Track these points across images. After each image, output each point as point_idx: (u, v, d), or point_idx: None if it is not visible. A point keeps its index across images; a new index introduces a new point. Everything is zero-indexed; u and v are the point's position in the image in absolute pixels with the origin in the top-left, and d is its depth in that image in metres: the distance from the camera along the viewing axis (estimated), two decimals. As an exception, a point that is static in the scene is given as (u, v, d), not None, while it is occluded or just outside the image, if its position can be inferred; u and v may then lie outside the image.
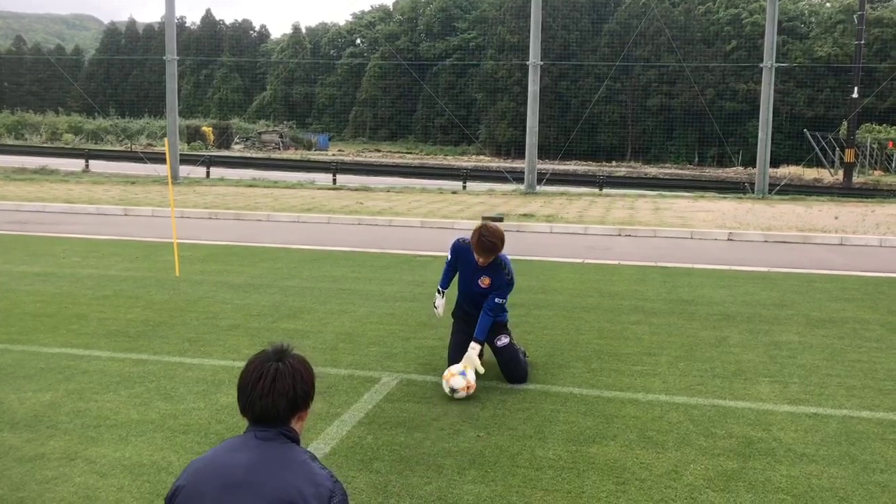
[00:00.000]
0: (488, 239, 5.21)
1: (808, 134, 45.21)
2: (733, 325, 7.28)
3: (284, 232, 14.40)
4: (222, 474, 2.06)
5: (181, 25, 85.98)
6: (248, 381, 2.17)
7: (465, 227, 13.98)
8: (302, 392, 2.18)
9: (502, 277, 5.40)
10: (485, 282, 5.41)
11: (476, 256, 5.33)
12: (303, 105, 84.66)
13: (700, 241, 14.42)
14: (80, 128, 60.95)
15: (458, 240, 5.66)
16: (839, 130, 41.57)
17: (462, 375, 5.07)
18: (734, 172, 45.51)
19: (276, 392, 2.13)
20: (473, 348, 5.25)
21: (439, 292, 5.80)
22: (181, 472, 2.15)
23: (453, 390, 5.05)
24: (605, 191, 25.58)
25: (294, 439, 2.18)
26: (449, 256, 5.68)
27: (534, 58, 23.32)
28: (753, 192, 23.52)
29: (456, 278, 5.70)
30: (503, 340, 5.45)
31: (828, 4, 71.67)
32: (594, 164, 54.80)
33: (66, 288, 8.43)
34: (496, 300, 5.36)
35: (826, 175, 40.56)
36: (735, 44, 66.45)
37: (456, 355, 5.49)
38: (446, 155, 68.27)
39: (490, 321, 5.36)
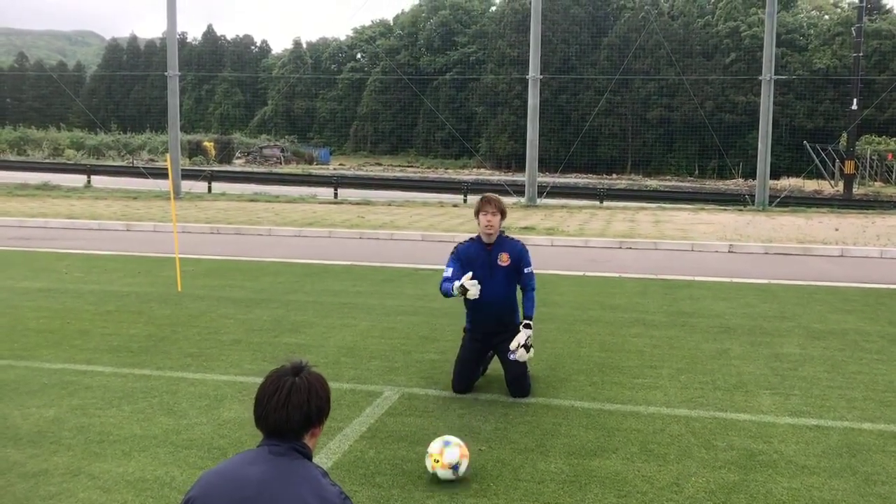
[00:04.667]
0: (491, 194, 5.53)
1: (807, 146, 45.31)
2: (734, 338, 7.29)
3: (286, 246, 14.43)
4: (234, 487, 2.09)
5: (182, 41, 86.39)
6: (264, 393, 2.21)
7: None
8: (316, 407, 2.22)
9: (517, 245, 5.54)
10: (504, 258, 5.43)
11: (483, 217, 5.41)
12: (304, 119, 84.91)
13: (701, 254, 14.44)
14: (82, 143, 61.20)
15: (456, 245, 5.64)
16: (839, 142, 41.67)
17: (446, 445, 4.04)
18: (734, 184, 45.58)
19: (290, 405, 2.17)
20: (526, 329, 5.32)
21: (457, 279, 5.27)
22: (193, 483, 2.18)
23: (454, 467, 4.00)
24: (605, 203, 25.64)
25: (306, 455, 2.21)
26: (449, 271, 5.41)
27: (534, 71, 23.44)
28: (754, 204, 23.57)
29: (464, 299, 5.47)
30: (515, 356, 5.39)
31: (826, 17, 71.98)
32: (594, 176, 54.93)
33: (69, 303, 8.46)
34: (526, 270, 5.47)
35: (826, 187, 40.62)
36: (734, 56, 66.67)
37: (463, 372, 5.48)
38: (447, 168, 68.43)
39: (535, 296, 5.49)
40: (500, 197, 5.57)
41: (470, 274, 5.27)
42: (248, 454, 2.20)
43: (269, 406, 2.18)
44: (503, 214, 5.48)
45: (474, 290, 5.21)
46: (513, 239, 5.63)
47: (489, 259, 5.43)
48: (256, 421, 2.22)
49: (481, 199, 5.50)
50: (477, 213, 5.50)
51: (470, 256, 5.48)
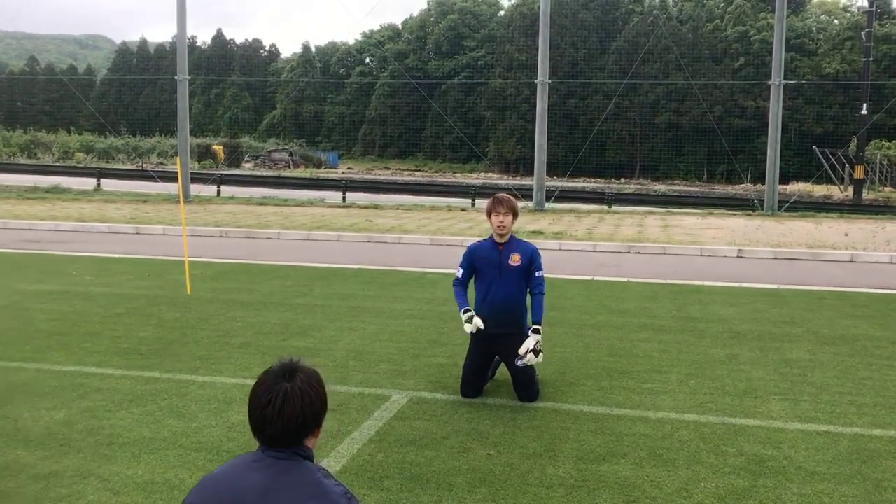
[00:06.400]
0: (503, 194, 5.57)
1: (817, 150, 45.17)
2: (743, 343, 7.27)
3: (294, 249, 14.46)
4: (235, 496, 2.05)
5: (192, 45, 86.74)
6: (257, 404, 2.13)
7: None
8: (311, 414, 2.14)
9: (529, 246, 5.56)
10: (515, 258, 5.45)
11: (496, 218, 5.44)
12: (312, 123, 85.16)
13: (709, 258, 14.40)
14: (92, 146, 61.51)
15: (469, 245, 5.75)
16: (848, 147, 41.53)
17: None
18: (743, 189, 45.50)
19: (284, 417, 2.09)
20: (535, 334, 5.33)
21: (466, 311, 5.48)
22: (192, 489, 2.16)
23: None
24: (613, 208, 25.60)
25: (307, 457, 2.16)
26: (460, 271, 5.60)
27: (542, 76, 23.44)
28: (763, 209, 23.49)
29: (472, 296, 5.65)
30: (524, 361, 5.40)
31: (836, 21, 71.75)
32: (603, 181, 54.92)
33: (79, 306, 8.50)
34: (537, 274, 5.48)
35: (836, 191, 40.46)
36: (743, 61, 66.59)
37: (471, 376, 5.49)
38: (455, 172, 68.57)
39: (544, 299, 5.49)
40: (512, 197, 5.58)
41: (480, 324, 5.40)
42: (248, 458, 2.16)
43: (264, 418, 2.11)
44: (515, 215, 5.50)
45: (469, 327, 5.44)
46: (525, 241, 5.65)
47: (500, 259, 5.45)
48: (252, 431, 2.16)
49: (493, 200, 5.53)
50: (489, 214, 5.53)
51: (481, 255, 5.54)
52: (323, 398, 2.19)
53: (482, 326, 5.38)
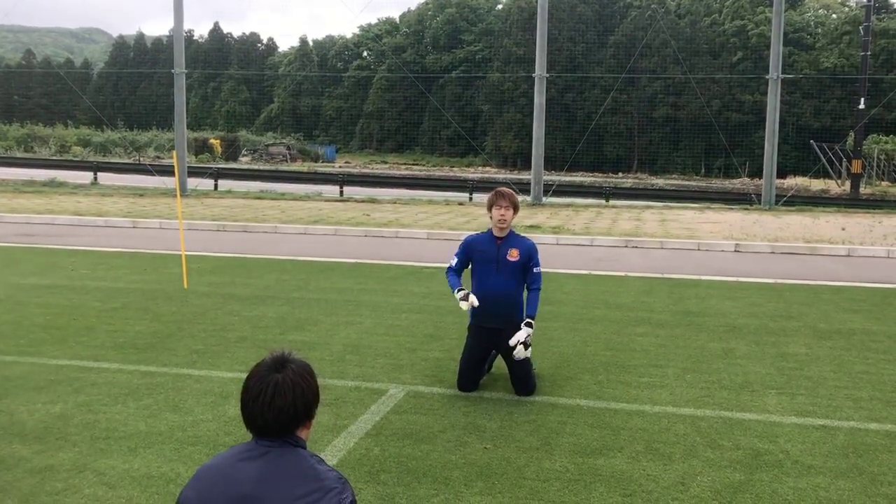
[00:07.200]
0: (504, 188, 5.55)
1: (814, 145, 45.14)
2: (740, 337, 7.27)
3: (292, 244, 14.45)
4: (230, 486, 2.06)
5: (189, 39, 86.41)
6: (248, 397, 2.13)
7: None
8: (303, 406, 2.14)
9: (527, 242, 5.54)
10: (513, 254, 5.42)
11: (497, 211, 5.41)
12: (310, 117, 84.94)
13: (707, 253, 14.40)
14: (89, 140, 61.29)
15: (467, 237, 5.73)
16: (846, 141, 41.53)
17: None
18: (741, 183, 45.45)
19: (275, 408, 2.09)
20: (527, 327, 5.29)
21: (460, 290, 5.42)
22: (189, 481, 2.16)
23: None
24: (611, 202, 25.59)
25: (300, 445, 2.17)
26: (454, 260, 5.57)
27: (540, 70, 23.41)
28: (760, 203, 23.50)
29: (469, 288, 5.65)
30: (516, 352, 5.40)
31: (834, 15, 71.71)
32: (600, 175, 54.84)
33: (75, 300, 8.48)
34: (535, 270, 5.46)
35: (833, 186, 40.46)
36: (741, 55, 66.49)
37: (468, 370, 5.48)
38: (453, 166, 68.41)
39: (539, 295, 5.46)
40: (513, 191, 5.57)
41: (475, 301, 5.36)
42: (241, 447, 2.16)
43: (255, 409, 2.11)
44: (516, 209, 5.49)
45: (465, 304, 5.37)
46: (524, 236, 5.63)
47: (498, 253, 5.43)
48: (245, 423, 2.16)
49: (495, 193, 5.51)
50: (490, 207, 5.50)
51: (478, 248, 5.51)
52: (315, 390, 2.19)
53: (476, 303, 5.33)
